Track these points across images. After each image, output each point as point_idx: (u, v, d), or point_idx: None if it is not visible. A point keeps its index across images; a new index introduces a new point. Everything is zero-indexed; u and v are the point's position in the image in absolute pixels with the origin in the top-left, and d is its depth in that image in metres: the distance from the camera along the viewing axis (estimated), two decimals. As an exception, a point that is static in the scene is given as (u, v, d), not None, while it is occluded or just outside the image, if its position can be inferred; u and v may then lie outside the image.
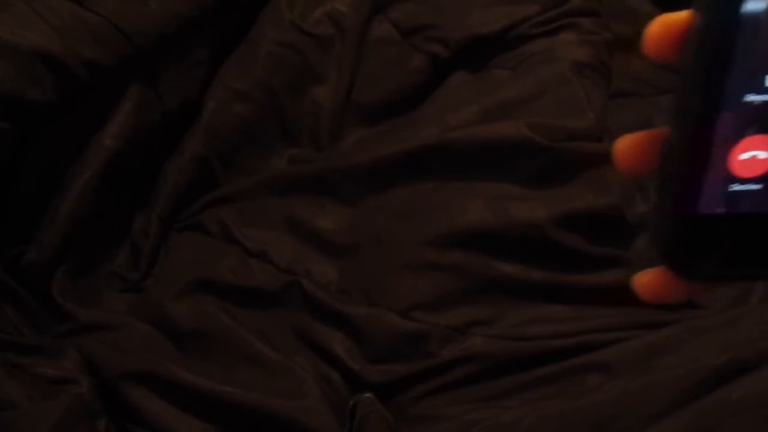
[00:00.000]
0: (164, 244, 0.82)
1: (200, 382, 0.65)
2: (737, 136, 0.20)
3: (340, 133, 0.90)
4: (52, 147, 0.74)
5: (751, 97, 0.20)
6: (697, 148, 0.20)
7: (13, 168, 0.72)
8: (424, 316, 0.71)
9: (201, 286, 0.75)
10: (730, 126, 0.20)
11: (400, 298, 0.72)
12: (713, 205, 0.21)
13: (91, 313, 0.73)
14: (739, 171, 0.20)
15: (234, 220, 0.81)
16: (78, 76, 0.73)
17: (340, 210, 0.81)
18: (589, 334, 0.66)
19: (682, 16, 0.22)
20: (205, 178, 0.85)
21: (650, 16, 0.88)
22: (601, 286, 0.72)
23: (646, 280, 0.24)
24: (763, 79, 0.20)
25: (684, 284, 0.22)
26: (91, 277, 0.77)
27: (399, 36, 0.94)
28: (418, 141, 0.81)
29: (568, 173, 0.78)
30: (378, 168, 0.81)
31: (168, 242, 0.82)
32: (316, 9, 0.92)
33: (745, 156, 0.20)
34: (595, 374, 0.62)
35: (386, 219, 0.78)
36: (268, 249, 0.78)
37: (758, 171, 0.20)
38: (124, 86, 0.78)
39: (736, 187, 0.20)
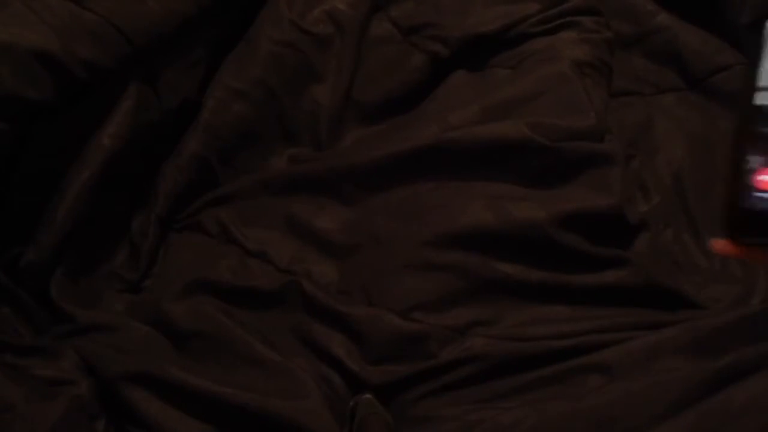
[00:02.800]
0: (163, 244, 0.82)
1: (199, 383, 0.64)
2: (756, 168, 0.37)
3: (339, 132, 0.90)
4: (50, 147, 0.74)
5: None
6: (738, 174, 0.38)
7: (11, 168, 0.72)
8: (424, 316, 0.71)
9: (200, 287, 0.75)
10: (753, 162, 0.37)
11: (400, 298, 0.72)
12: (749, 204, 0.37)
13: (89, 313, 0.72)
14: (760, 186, 0.37)
15: (233, 220, 0.81)
16: (76, 76, 0.72)
17: (340, 210, 0.80)
18: (590, 334, 0.66)
19: None
20: (205, 178, 0.85)
21: (651, 15, 0.89)
22: (601, 286, 0.71)
23: (720, 244, 0.38)
24: None
25: (740, 247, 0.38)
26: (90, 278, 0.77)
27: (399, 35, 0.93)
28: (418, 141, 0.81)
29: (569, 173, 0.78)
30: (378, 168, 0.81)
31: (167, 242, 0.82)
32: (315, 8, 0.92)
33: (760, 178, 0.37)
34: (596, 375, 0.62)
35: (386, 219, 0.78)
36: (268, 249, 0.78)
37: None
38: (122, 85, 0.78)
39: (760, 194, 0.37)
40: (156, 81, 0.82)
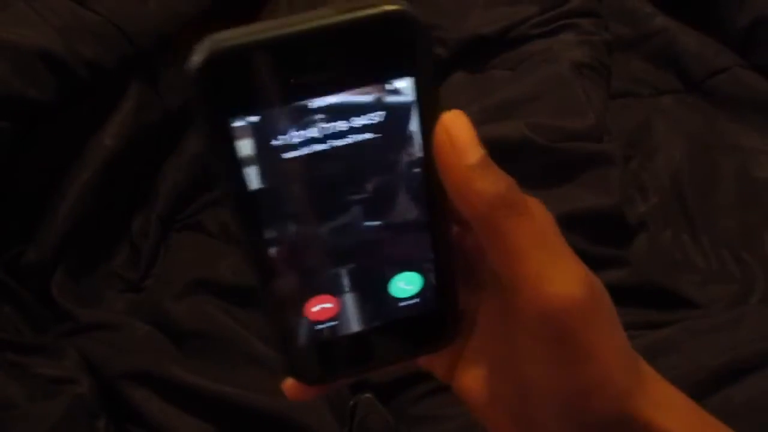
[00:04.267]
0: (164, 243, 0.82)
1: (200, 382, 0.65)
2: (304, 299, 0.28)
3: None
4: (52, 147, 0.74)
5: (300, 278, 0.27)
6: (278, 313, 0.28)
7: (13, 167, 0.72)
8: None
9: (201, 286, 0.75)
10: (294, 296, 0.28)
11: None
12: (309, 339, 0.28)
13: (90, 313, 0.73)
14: (315, 317, 0.28)
15: (234, 220, 0.81)
16: (78, 76, 0.73)
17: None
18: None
19: None
20: (205, 178, 0.85)
21: (649, 17, 0.89)
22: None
23: (288, 385, 0.29)
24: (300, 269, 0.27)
25: (310, 387, 0.29)
26: (90, 277, 0.77)
27: (399, 36, 0.94)
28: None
29: (568, 173, 0.78)
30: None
31: (168, 242, 0.82)
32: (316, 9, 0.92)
33: (315, 309, 0.28)
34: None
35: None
36: (268, 249, 0.78)
37: (328, 315, 0.28)
38: (124, 86, 0.78)
39: (319, 326, 0.28)
40: (157, 81, 0.82)
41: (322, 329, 0.28)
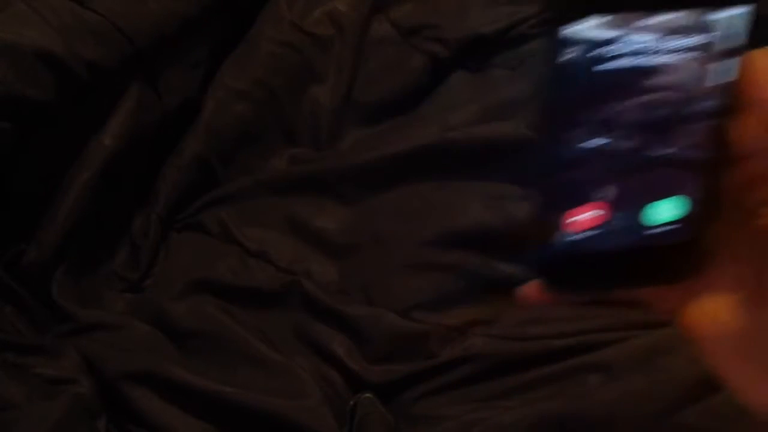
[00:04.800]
0: (164, 244, 0.82)
1: (200, 382, 0.65)
2: (564, 209, 0.30)
3: (340, 132, 0.90)
4: (52, 147, 0.74)
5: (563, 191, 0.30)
6: (543, 220, 0.30)
7: (13, 167, 0.72)
8: (424, 316, 0.71)
9: (201, 286, 0.75)
10: (565, 200, 0.30)
11: (400, 298, 0.72)
12: (564, 245, 0.30)
13: (91, 313, 0.73)
14: (575, 226, 0.30)
15: (234, 220, 0.81)
16: (78, 76, 0.73)
17: (340, 210, 0.81)
18: (590, 334, 0.66)
19: None
20: (205, 178, 0.85)
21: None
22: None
23: (530, 288, 0.31)
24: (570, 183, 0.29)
25: (554, 294, 0.31)
26: (91, 277, 0.77)
27: (399, 36, 0.94)
28: (418, 141, 0.81)
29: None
30: (378, 168, 0.81)
31: (168, 242, 0.82)
32: (316, 9, 0.92)
33: (570, 220, 0.30)
34: (596, 374, 0.62)
35: (386, 219, 0.78)
36: (268, 249, 0.78)
37: (588, 226, 0.30)
38: (124, 86, 0.78)
39: (573, 237, 0.30)
40: (157, 81, 0.82)
41: (578, 239, 0.30)
